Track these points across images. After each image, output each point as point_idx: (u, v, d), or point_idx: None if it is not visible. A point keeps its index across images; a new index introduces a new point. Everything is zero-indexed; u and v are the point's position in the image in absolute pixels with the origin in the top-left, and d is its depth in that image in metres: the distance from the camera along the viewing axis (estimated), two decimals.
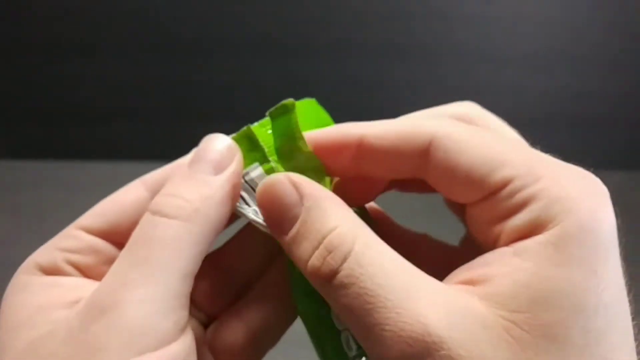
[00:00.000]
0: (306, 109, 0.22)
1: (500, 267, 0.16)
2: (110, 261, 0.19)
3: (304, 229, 0.17)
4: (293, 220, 0.17)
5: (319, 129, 0.20)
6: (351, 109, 0.82)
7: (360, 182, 0.21)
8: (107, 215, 0.20)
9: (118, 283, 0.16)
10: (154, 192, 0.20)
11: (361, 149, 0.18)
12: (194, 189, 0.18)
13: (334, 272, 0.16)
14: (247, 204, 0.19)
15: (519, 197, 0.16)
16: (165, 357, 0.15)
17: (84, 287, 0.18)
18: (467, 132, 0.17)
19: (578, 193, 0.16)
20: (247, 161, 0.19)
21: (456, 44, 0.78)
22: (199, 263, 0.18)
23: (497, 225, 0.16)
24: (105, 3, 0.75)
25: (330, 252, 0.16)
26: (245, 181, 0.19)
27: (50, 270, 0.18)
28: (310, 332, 0.20)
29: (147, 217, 0.17)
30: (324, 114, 0.23)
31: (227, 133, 0.20)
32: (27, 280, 0.18)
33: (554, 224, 0.15)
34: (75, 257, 0.19)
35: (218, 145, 0.19)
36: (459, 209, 0.20)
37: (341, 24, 0.77)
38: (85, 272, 0.19)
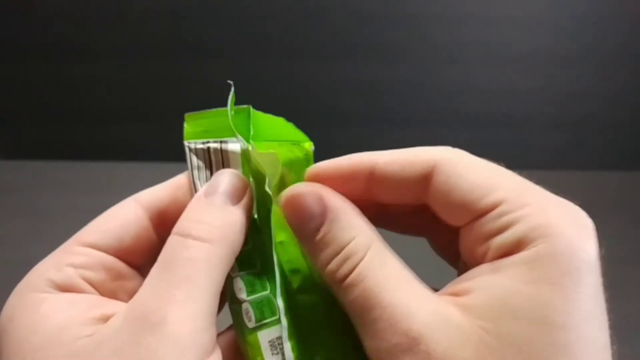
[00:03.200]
0: (274, 123, 0.24)
1: (480, 281, 0.18)
2: (118, 277, 0.21)
3: (326, 239, 0.19)
4: (316, 229, 0.19)
5: (332, 159, 0.21)
6: (352, 110, 0.82)
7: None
8: (111, 231, 0.21)
9: (164, 300, 0.17)
10: (149, 210, 0.21)
11: (373, 176, 0.20)
12: (218, 216, 0.20)
13: (347, 275, 0.18)
14: (204, 165, 0.22)
15: (506, 219, 0.18)
16: None
17: (103, 304, 0.19)
18: (466, 158, 0.20)
19: (560, 221, 0.17)
20: (226, 133, 0.22)
21: (455, 44, 0.78)
22: (223, 283, 0.19)
23: (484, 243, 0.18)
24: (105, 4, 0.75)
25: (347, 259, 0.18)
26: (221, 149, 0.22)
27: (65, 287, 0.19)
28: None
29: (177, 239, 0.19)
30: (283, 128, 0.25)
31: None
32: (40, 297, 0.18)
33: (531, 246, 0.17)
34: (88, 274, 0.20)
35: (230, 178, 0.21)
36: (445, 246, 0.23)
37: (342, 25, 0.77)
38: (97, 288, 0.20)
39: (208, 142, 0.22)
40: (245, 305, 0.21)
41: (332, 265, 0.19)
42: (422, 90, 0.79)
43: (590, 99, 0.80)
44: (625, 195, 0.77)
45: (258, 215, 0.22)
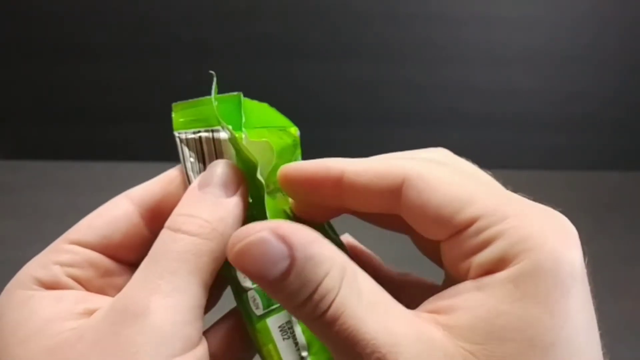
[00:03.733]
0: (260, 110, 0.23)
1: (464, 300, 0.17)
2: (107, 273, 0.21)
3: (298, 282, 0.16)
4: (284, 273, 0.16)
5: (303, 162, 0.21)
6: (352, 110, 0.82)
7: (317, 207, 0.22)
8: (99, 228, 0.20)
9: (148, 291, 0.17)
10: (141, 206, 0.21)
11: (342, 184, 0.20)
12: (210, 210, 0.19)
13: (325, 312, 0.16)
14: (195, 153, 0.22)
15: (485, 234, 0.17)
16: (191, 359, 0.17)
17: (89, 299, 0.19)
18: (438, 171, 0.18)
19: (541, 233, 0.16)
20: (217, 121, 0.21)
21: (455, 44, 0.78)
22: (214, 278, 0.19)
23: (466, 261, 0.18)
24: (105, 5, 0.75)
25: (324, 296, 0.16)
26: (213, 138, 0.21)
27: (51, 285, 0.19)
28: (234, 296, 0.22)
29: (168, 233, 0.19)
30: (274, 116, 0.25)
31: None
32: (27, 295, 0.18)
33: (515, 262, 0.16)
34: (75, 271, 0.20)
35: (224, 169, 0.20)
36: (429, 249, 0.22)
37: (342, 25, 0.77)
38: (84, 285, 0.20)
39: (199, 131, 0.21)
40: (251, 293, 0.21)
41: (309, 306, 0.16)
42: (422, 90, 0.79)
43: (590, 99, 0.80)
44: (625, 195, 0.77)
45: (252, 204, 0.22)
